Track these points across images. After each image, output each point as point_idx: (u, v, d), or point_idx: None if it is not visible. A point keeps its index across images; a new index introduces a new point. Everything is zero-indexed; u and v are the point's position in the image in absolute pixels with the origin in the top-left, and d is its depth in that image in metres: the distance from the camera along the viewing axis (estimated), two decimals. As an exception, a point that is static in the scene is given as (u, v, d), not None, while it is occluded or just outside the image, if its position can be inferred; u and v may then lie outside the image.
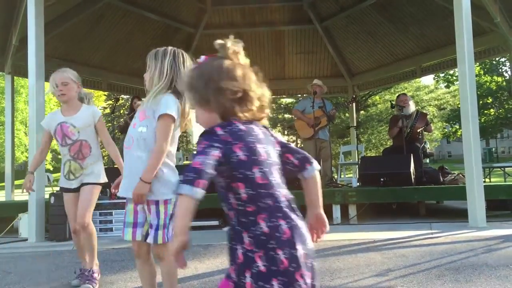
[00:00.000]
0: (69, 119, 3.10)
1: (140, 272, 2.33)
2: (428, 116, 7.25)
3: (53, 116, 3.18)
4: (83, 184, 3.09)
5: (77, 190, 3.11)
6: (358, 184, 6.55)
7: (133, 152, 2.23)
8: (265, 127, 1.43)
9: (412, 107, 7.05)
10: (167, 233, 2.16)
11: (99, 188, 3.17)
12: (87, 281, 3.02)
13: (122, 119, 7.61)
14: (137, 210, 2.23)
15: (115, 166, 8.05)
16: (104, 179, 3.21)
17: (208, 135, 1.29)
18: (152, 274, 2.31)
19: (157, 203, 2.17)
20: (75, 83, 3.13)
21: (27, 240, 5.17)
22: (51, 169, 35.10)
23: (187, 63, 2.49)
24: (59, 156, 3.31)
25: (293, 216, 1.28)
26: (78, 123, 3.09)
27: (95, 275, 3.11)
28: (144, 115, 2.28)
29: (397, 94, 8.37)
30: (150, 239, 2.17)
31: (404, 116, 6.79)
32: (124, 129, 7.65)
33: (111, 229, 5.45)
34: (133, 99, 7.95)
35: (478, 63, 27.91)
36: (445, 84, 31.88)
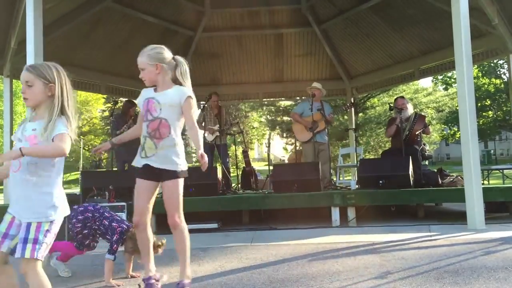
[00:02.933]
0: (157, 95, 2.98)
1: None
2: (426, 118, 7.26)
3: (145, 93, 3.09)
4: (157, 171, 2.86)
5: (151, 175, 2.89)
6: (357, 186, 6.55)
7: (22, 176, 2.10)
8: None
9: (410, 110, 7.06)
10: (38, 248, 2.03)
11: (179, 179, 2.90)
12: None
13: (125, 125, 7.52)
14: (13, 222, 2.13)
15: (114, 169, 8.08)
16: (183, 167, 2.91)
17: None
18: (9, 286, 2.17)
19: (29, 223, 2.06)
20: (151, 65, 2.98)
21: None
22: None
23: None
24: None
25: None
26: (164, 100, 2.94)
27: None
28: (36, 139, 2.15)
29: (395, 97, 8.37)
30: (17, 253, 2.03)
31: (402, 119, 6.81)
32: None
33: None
34: (131, 106, 7.86)
35: (476, 65, 28.00)
36: (444, 86, 31.97)
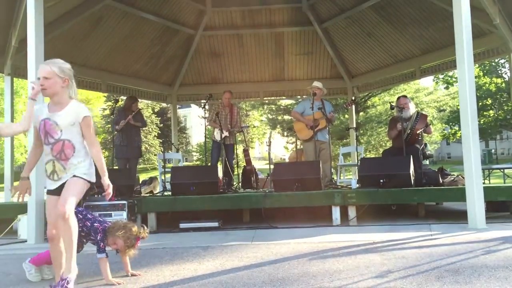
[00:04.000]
0: (53, 115, 2.92)
1: None
2: (427, 118, 7.25)
3: (40, 110, 2.99)
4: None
5: (59, 191, 2.90)
6: (357, 185, 6.54)
7: None
8: None
9: (412, 109, 7.05)
10: None
11: (85, 182, 2.96)
12: None
13: (122, 121, 7.63)
14: None
15: (115, 167, 8.09)
16: (91, 178, 3.01)
17: None
18: None
19: None
20: (60, 77, 2.94)
21: (26, 241, 5.17)
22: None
23: None
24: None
25: None
26: (62, 121, 2.91)
27: (70, 285, 2.78)
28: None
29: (397, 96, 8.36)
30: None
31: (404, 119, 6.80)
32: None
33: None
34: (133, 102, 7.94)
35: (477, 65, 27.94)
36: (445, 85, 31.91)
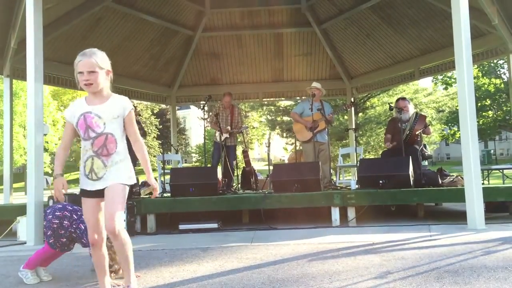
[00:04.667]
0: (95, 108, 2.70)
1: None
2: (426, 119, 7.26)
3: (77, 106, 2.75)
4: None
5: (100, 194, 2.66)
6: (357, 186, 6.55)
7: None
8: None
9: (411, 112, 7.06)
10: None
11: (127, 188, 2.70)
12: None
13: None
14: None
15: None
16: (132, 180, 2.75)
17: None
18: None
19: None
20: (102, 69, 2.77)
21: (25, 243, 5.16)
22: (50, 172, 35.08)
23: None
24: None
25: None
26: (105, 114, 2.70)
27: None
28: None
29: (396, 98, 8.36)
30: None
31: (403, 120, 6.82)
32: None
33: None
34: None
35: (476, 65, 27.99)
36: (444, 86, 31.94)
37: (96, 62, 2.72)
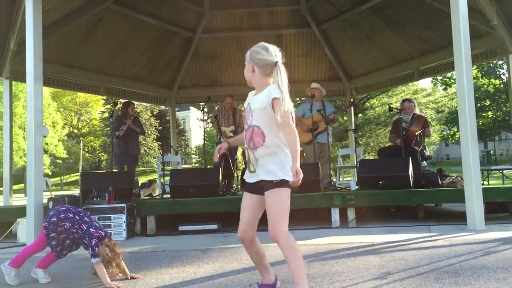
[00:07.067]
0: (251, 99, 2.69)
1: None
2: (426, 119, 7.25)
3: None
4: (261, 182, 2.54)
5: (255, 188, 2.59)
6: (356, 187, 6.55)
7: None
8: None
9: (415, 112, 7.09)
10: None
11: (283, 188, 2.56)
12: None
13: (122, 126, 7.61)
14: None
15: (113, 170, 8.06)
16: (285, 175, 2.51)
17: None
18: None
19: None
20: (248, 63, 2.81)
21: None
22: (50, 173, 35.03)
23: None
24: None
25: None
26: (254, 105, 2.62)
27: None
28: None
29: (396, 98, 8.39)
30: None
31: (404, 121, 6.85)
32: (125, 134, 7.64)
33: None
34: (128, 107, 7.90)
35: (475, 66, 28.01)
36: (443, 87, 31.98)
37: (246, 57, 2.93)
